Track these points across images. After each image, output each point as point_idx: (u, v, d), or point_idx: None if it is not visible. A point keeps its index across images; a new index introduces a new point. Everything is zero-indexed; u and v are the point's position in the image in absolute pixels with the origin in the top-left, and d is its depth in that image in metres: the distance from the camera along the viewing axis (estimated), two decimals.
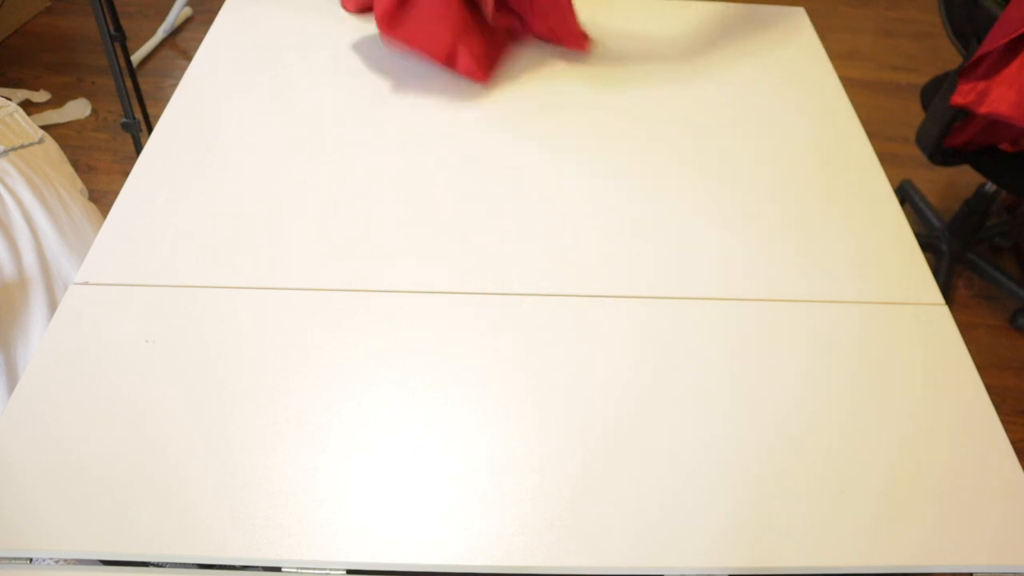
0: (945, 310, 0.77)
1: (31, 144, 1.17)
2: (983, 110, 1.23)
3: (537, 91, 1.00)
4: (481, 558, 0.57)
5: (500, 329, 0.72)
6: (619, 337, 0.73)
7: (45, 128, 1.31)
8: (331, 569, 0.57)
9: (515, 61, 1.04)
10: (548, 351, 0.71)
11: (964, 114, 1.34)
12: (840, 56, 2.48)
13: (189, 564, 0.57)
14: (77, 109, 2.13)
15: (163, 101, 0.96)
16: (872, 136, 0.97)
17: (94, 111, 2.14)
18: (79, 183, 1.26)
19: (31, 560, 0.57)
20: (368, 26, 1.09)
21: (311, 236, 0.80)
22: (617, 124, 0.96)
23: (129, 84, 1.68)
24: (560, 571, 0.57)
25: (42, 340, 0.70)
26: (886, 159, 0.93)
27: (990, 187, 1.69)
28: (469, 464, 0.63)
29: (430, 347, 0.70)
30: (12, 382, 0.98)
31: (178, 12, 2.37)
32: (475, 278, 0.77)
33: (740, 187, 0.89)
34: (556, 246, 0.80)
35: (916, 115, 1.51)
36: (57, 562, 0.57)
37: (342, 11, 1.12)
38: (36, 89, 2.17)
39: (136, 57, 2.25)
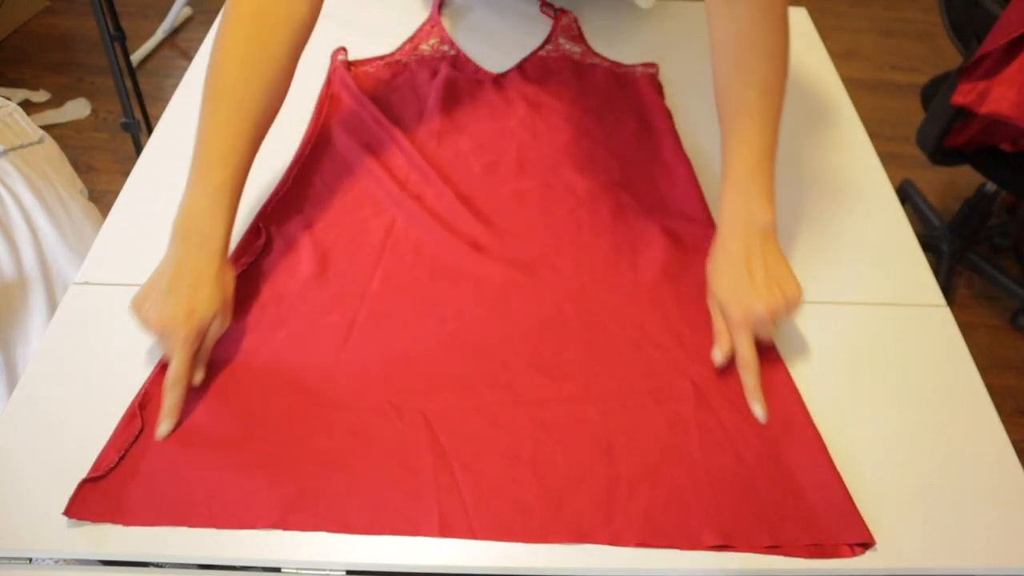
0: (946, 311, 0.77)
1: (31, 144, 1.17)
2: (983, 110, 1.23)
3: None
4: (481, 559, 0.57)
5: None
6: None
7: (45, 128, 1.30)
8: (331, 569, 0.57)
9: (505, 61, 1.04)
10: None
11: (964, 114, 1.33)
12: (840, 56, 2.47)
13: (189, 564, 0.57)
14: (77, 109, 2.13)
15: (163, 101, 0.96)
16: (872, 136, 0.97)
17: (94, 111, 2.14)
18: (79, 183, 1.26)
19: (31, 560, 0.57)
20: (367, 27, 1.09)
21: None
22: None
23: (129, 84, 1.68)
24: (560, 571, 0.57)
25: (42, 340, 0.70)
26: (886, 159, 0.93)
27: (990, 187, 1.69)
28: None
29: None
30: (12, 382, 0.97)
31: (178, 12, 2.37)
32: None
33: None
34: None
35: (916, 115, 1.51)
36: (57, 562, 0.57)
37: (341, 11, 1.12)
38: (36, 89, 2.17)
39: (136, 57, 2.25)
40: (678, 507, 0.59)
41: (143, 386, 0.65)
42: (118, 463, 0.60)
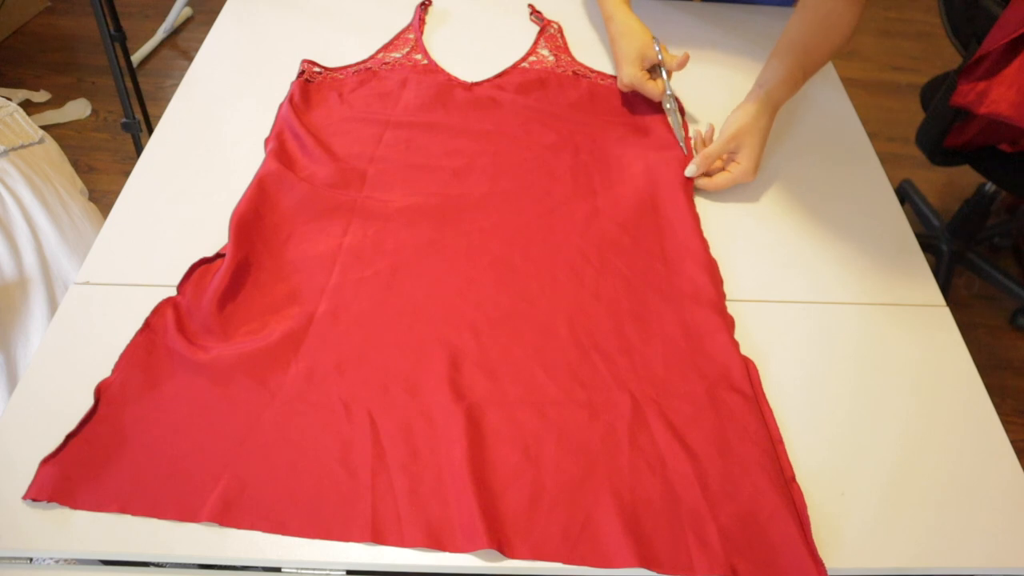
0: (946, 311, 0.77)
1: (31, 144, 1.17)
2: (983, 110, 1.23)
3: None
4: (481, 558, 0.57)
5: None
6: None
7: (45, 128, 1.30)
8: (331, 569, 0.57)
9: (486, 71, 1.04)
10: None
11: (964, 114, 1.33)
12: (840, 56, 2.47)
13: (189, 564, 0.58)
14: (77, 109, 2.13)
15: (163, 101, 0.96)
16: (872, 136, 0.97)
17: (94, 111, 2.14)
18: (79, 183, 1.26)
19: (31, 560, 0.57)
20: (368, 27, 1.09)
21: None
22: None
23: (129, 84, 1.68)
24: (561, 571, 0.57)
25: (42, 340, 0.70)
26: (886, 159, 0.93)
27: (990, 187, 1.69)
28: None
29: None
30: (12, 382, 0.97)
31: (178, 12, 2.37)
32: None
33: (740, 187, 0.89)
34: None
35: (916, 115, 1.51)
36: (57, 562, 0.57)
37: (342, 12, 1.12)
38: (36, 89, 2.17)
39: (136, 57, 2.25)
40: (595, 527, 0.58)
41: (111, 371, 0.66)
42: (66, 443, 0.61)
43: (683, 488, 0.61)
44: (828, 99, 1.03)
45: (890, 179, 0.91)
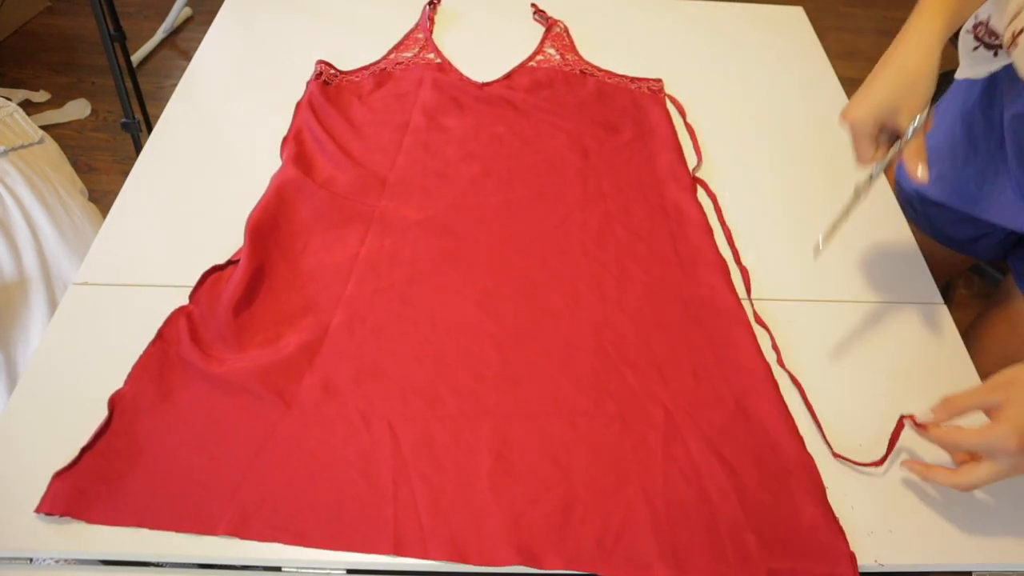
0: (944, 310, 0.77)
1: (31, 144, 1.17)
2: None
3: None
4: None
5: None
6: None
7: (45, 128, 1.30)
8: (331, 569, 0.57)
9: (494, 71, 1.04)
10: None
11: None
12: (840, 56, 2.47)
13: (189, 564, 0.58)
14: (77, 109, 2.13)
15: (163, 101, 0.96)
16: None
17: (94, 111, 2.14)
18: (79, 183, 1.26)
19: (31, 560, 0.57)
20: (366, 27, 1.09)
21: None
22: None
23: (129, 84, 1.68)
24: (560, 570, 0.57)
25: (42, 340, 0.70)
26: None
27: None
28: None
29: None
30: (12, 382, 0.97)
31: (178, 12, 2.37)
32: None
33: (739, 187, 0.89)
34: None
35: None
36: (57, 562, 0.57)
37: (340, 11, 1.12)
38: (36, 89, 2.17)
39: (136, 57, 2.25)
40: (631, 535, 0.58)
41: (124, 383, 0.65)
42: (81, 456, 0.60)
43: (719, 498, 0.60)
44: (828, 99, 1.03)
45: (889, 179, 0.91)
